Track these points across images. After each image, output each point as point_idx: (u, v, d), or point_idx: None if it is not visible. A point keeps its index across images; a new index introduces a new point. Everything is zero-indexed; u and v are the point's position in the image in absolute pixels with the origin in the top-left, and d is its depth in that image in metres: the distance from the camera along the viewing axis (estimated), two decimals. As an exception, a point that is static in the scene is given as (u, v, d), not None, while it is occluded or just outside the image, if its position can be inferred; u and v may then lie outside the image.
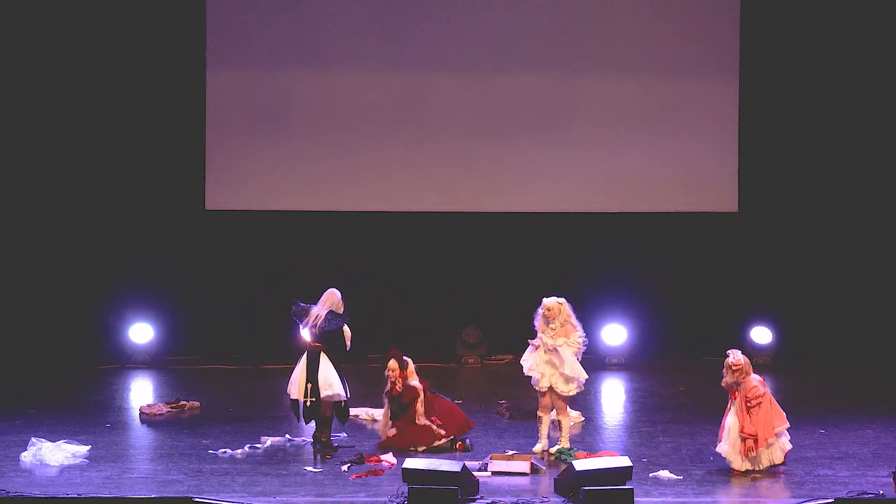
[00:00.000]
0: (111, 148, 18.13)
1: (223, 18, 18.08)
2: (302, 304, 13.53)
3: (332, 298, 13.38)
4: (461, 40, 18.22)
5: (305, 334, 13.49)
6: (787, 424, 12.56)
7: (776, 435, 12.48)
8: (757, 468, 12.46)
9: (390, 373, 13.56)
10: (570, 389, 13.15)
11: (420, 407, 13.48)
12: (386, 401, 13.67)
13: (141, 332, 18.10)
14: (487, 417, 14.83)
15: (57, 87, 17.99)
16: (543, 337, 13.12)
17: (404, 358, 13.60)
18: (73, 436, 13.34)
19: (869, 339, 18.27)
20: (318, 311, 13.35)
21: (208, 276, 18.33)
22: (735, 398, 12.56)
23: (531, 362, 13.21)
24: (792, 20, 18.27)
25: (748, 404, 12.49)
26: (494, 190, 18.39)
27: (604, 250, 18.33)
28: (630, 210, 18.46)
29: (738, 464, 12.46)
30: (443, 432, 13.42)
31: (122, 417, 14.99)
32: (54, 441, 12.98)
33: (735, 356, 12.53)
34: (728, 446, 12.50)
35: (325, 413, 13.34)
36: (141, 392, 16.61)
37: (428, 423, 13.44)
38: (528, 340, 13.24)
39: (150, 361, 18.00)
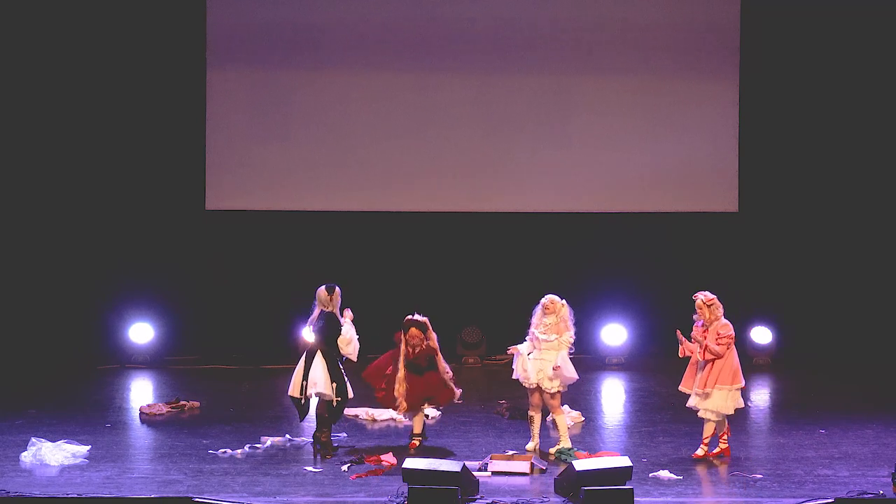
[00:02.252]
0: (112, 148, 18.13)
1: (223, 18, 18.08)
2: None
3: (319, 297, 13.41)
4: (462, 40, 18.21)
5: (307, 333, 13.52)
6: (741, 384, 13.09)
7: (739, 388, 13.06)
8: (721, 412, 12.99)
9: (414, 340, 13.50)
10: (555, 386, 13.18)
11: (441, 362, 13.55)
12: (402, 365, 13.55)
13: (141, 332, 18.10)
14: (487, 417, 14.85)
15: (58, 88, 17.99)
16: (535, 331, 13.19)
17: (420, 320, 13.58)
18: (73, 436, 13.34)
19: (869, 339, 18.27)
20: (315, 311, 13.38)
21: (208, 276, 18.33)
22: (705, 337, 12.99)
23: (520, 365, 13.27)
24: (792, 20, 18.26)
25: (718, 340, 12.95)
26: (494, 190, 18.39)
27: (604, 250, 18.34)
28: (630, 210, 18.46)
29: (697, 403, 13.03)
30: (458, 391, 13.60)
31: (122, 417, 14.99)
32: (54, 441, 12.98)
33: (705, 294, 13.09)
34: (696, 398, 13.04)
35: (323, 412, 13.35)
36: (141, 392, 16.61)
37: (448, 375, 13.55)
38: (510, 350, 13.31)
39: (150, 361, 18.01)
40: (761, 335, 18.42)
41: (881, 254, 18.57)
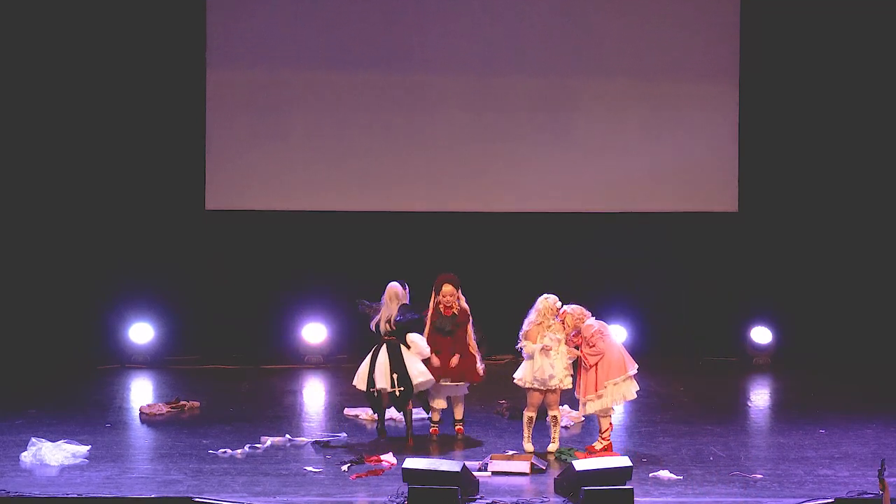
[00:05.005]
0: (111, 148, 18.12)
1: (223, 18, 18.08)
2: (367, 303, 13.77)
3: (396, 292, 13.63)
4: (461, 40, 18.21)
5: (378, 328, 13.69)
6: (627, 374, 13.21)
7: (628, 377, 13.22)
8: (608, 406, 13.19)
9: (448, 298, 13.69)
10: (570, 383, 13.34)
11: (471, 330, 13.76)
12: (427, 322, 13.72)
13: (141, 332, 18.10)
14: (487, 417, 14.85)
15: (57, 88, 17.98)
16: (549, 333, 13.25)
17: (453, 276, 13.82)
18: (73, 436, 13.34)
19: (869, 338, 18.27)
20: (391, 307, 13.57)
21: (208, 276, 18.33)
22: (580, 343, 13.23)
23: (545, 364, 13.28)
24: (792, 20, 18.27)
25: (588, 342, 13.18)
26: (494, 190, 18.39)
27: (604, 250, 18.33)
28: (630, 210, 18.46)
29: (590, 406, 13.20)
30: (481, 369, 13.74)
31: (122, 417, 14.99)
32: (54, 441, 12.98)
33: (565, 308, 13.31)
34: (589, 403, 13.21)
35: (389, 404, 13.61)
36: (141, 392, 16.61)
37: (475, 352, 13.70)
38: (544, 348, 13.32)
39: (150, 361, 18.00)
40: (761, 335, 18.42)
41: (881, 254, 18.56)
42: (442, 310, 13.76)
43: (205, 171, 18.23)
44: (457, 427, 13.91)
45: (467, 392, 13.97)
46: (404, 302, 13.62)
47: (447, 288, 13.76)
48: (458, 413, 13.91)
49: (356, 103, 18.24)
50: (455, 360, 13.64)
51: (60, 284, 18.10)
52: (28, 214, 18.12)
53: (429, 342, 13.65)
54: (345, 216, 18.39)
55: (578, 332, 13.32)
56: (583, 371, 13.30)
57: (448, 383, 13.74)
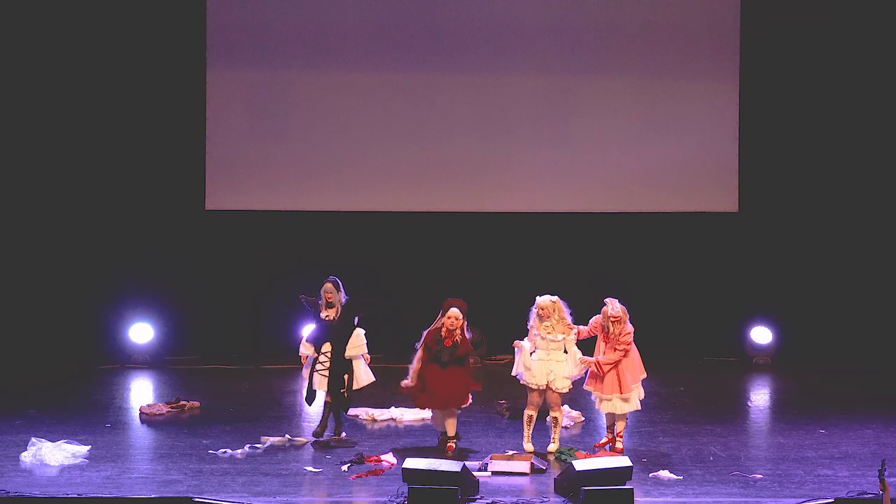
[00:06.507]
0: (111, 148, 18.13)
1: (223, 18, 18.09)
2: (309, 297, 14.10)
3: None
4: (462, 40, 18.22)
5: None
6: (645, 375, 13.49)
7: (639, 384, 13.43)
8: (619, 412, 13.34)
9: (453, 320, 13.37)
10: (567, 386, 13.29)
11: (471, 362, 13.69)
12: (421, 350, 13.45)
13: (141, 332, 18.10)
14: (487, 417, 14.85)
15: (57, 88, 17.99)
16: (541, 333, 13.21)
17: (461, 302, 13.60)
18: (73, 436, 13.35)
19: (869, 338, 18.26)
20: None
21: (208, 276, 18.33)
22: (607, 342, 13.28)
23: (521, 362, 13.29)
24: (792, 20, 18.27)
25: (617, 346, 13.21)
26: (494, 190, 18.39)
27: (604, 250, 18.33)
28: (630, 210, 18.46)
29: (616, 406, 13.33)
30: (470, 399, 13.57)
31: (122, 417, 14.99)
32: (54, 441, 12.99)
33: (614, 307, 13.31)
34: (615, 402, 13.30)
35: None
36: (141, 392, 16.62)
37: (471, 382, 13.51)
38: (514, 344, 13.31)
39: (150, 361, 18.01)
40: (761, 335, 18.42)
41: (881, 254, 18.56)
42: (444, 333, 13.36)
43: (205, 171, 18.23)
44: (448, 445, 13.47)
45: (459, 411, 13.73)
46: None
47: (454, 311, 13.40)
48: (451, 430, 13.60)
49: (356, 103, 18.24)
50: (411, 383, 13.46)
51: (60, 285, 18.10)
52: (28, 215, 18.13)
53: (420, 369, 13.41)
54: (344, 216, 18.39)
55: (604, 328, 13.30)
56: (596, 372, 13.28)
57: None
